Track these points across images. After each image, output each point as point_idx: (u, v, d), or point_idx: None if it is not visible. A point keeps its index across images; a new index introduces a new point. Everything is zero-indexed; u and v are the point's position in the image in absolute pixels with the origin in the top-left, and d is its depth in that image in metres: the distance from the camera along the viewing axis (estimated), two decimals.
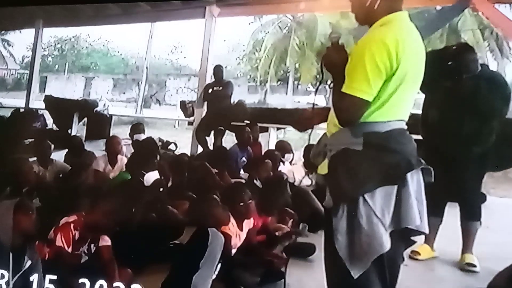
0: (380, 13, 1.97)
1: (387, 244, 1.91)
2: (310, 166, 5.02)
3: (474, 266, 3.46)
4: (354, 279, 1.90)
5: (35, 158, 4.66)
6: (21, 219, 2.65)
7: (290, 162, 5.44)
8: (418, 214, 1.97)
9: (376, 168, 1.91)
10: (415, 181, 1.98)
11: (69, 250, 2.82)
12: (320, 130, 2.27)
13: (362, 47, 1.93)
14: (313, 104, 2.28)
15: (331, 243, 1.96)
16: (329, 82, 2.06)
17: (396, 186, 1.92)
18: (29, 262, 2.51)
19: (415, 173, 1.98)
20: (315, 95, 2.35)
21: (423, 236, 3.38)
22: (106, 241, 2.99)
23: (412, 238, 2.11)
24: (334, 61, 2.02)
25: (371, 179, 1.90)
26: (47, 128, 8.30)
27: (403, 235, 2.01)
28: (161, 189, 4.14)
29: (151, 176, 4.12)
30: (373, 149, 1.93)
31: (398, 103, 1.98)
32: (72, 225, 2.86)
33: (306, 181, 4.90)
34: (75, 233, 2.86)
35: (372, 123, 1.94)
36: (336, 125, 2.02)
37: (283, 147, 5.58)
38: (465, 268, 3.53)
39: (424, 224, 2.00)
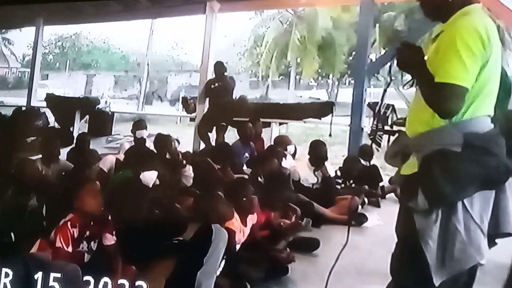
0: (457, 6, 1.89)
1: (485, 251, 1.84)
2: (315, 163, 4.98)
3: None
4: (433, 286, 1.81)
5: (38, 156, 4.63)
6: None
7: (293, 155, 5.41)
8: None
9: (476, 172, 1.82)
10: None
11: (69, 249, 2.80)
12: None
13: (451, 37, 1.83)
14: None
15: (412, 246, 1.86)
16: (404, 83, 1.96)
17: (494, 191, 1.86)
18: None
19: None
20: None
21: None
22: (110, 240, 2.97)
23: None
24: (410, 60, 1.91)
25: (471, 183, 1.82)
26: (49, 126, 8.29)
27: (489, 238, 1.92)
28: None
29: (148, 176, 3.95)
30: (473, 151, 1.84)
31: (490, 95, 1.92)
32: (69, 223, 2.84)
33: (312, 179, 4.85)
34: (73, 231, 2.84)
35: (468, 121, 1.86)
36: (424, 123, 1.91)
37: (283, 141, 5.55)
38: None
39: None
